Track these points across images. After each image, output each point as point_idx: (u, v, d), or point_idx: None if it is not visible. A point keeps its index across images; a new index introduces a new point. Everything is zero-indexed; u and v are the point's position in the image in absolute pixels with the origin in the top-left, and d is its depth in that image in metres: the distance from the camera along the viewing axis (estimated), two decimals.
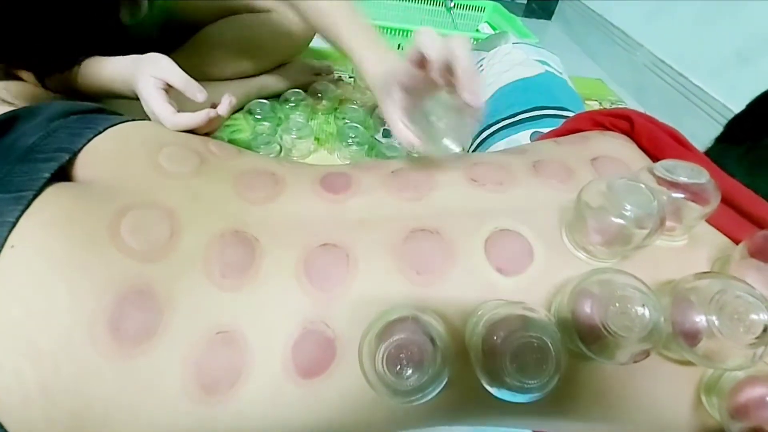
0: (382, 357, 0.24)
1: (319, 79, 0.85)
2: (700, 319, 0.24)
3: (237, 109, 0.75)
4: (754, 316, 0.23)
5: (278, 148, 0.67)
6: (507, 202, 0.33)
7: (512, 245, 0.30)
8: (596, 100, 1.07)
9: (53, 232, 0.26)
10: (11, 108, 0.38)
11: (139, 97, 0.44)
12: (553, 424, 0.32)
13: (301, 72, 0.83)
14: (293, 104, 0.77)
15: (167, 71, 0.43)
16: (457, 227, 0.31)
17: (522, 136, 0.60)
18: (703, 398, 0.27)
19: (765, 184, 0.32)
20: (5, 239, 0.24)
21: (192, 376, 0.25)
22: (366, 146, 0.71)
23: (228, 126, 0.73)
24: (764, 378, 0.25)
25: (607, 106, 1.07)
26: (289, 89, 0.79)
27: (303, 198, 0.34)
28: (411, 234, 0.31)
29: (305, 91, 0.81)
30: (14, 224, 0.25)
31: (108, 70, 0.49)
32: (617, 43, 1.23)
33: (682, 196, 0.28)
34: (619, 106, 1.08)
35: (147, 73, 0.43)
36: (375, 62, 0.45)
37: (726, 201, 0.31)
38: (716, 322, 0.23)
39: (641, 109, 1.06)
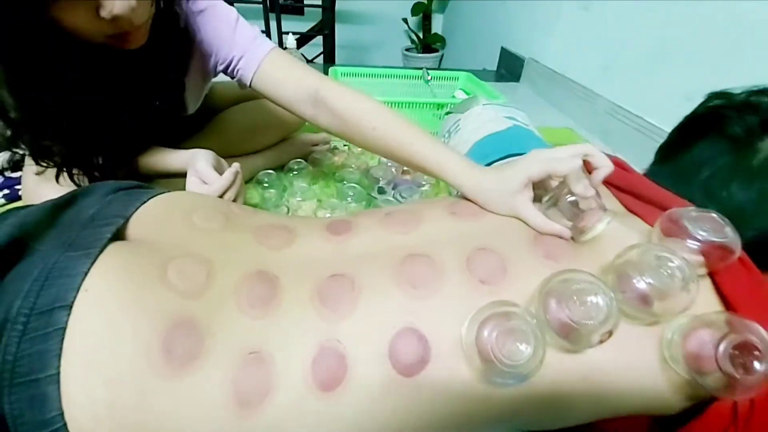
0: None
1: (317, 149, 0.96)
2: (638, 282, 0.30)
3: (247, 180, 0.84)
4: (671, 263, 0.29)
5: (286, 210, 0.75)
6: (481, 228, 0.40)
7: (489, 261, 0.36)
8: None
9: (116, 278, 0.31)
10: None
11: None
12: (549, 414, 0.35)
13: (301, 144, 0.94)
14: (296, 172, 0.86)
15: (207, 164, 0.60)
16: (443, 250, 0.37)
17: None
18: (666, 356, 0.31)
19: (684, 190, 0.39)
20: (80, 285, 0.30)
21: (229, 391, 0.30)
22: (363, 203, 0.79)
23: None
24: (703, 323, 0.30)
25: None
26: (291, 160, 0.89)
27: (312, 242, 0.41)
28: (406, 259, 0.37)
29: (306, 160, 0.90)
30: (86, 273, 0.30)
31: (170, 162, 0.63)
32: (579, 95, 1.37)
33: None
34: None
35: (198, 164, 0.59)
36: (468, 174, 0.46)
37: (657, 205, 0.38)
38: (651, 281, 0.29)
39: (609, 149, 1.17)
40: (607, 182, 0.43)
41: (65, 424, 0.27)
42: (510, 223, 0.41)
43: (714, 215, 0.34)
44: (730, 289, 0.33)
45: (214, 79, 0.70)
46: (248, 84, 0.61)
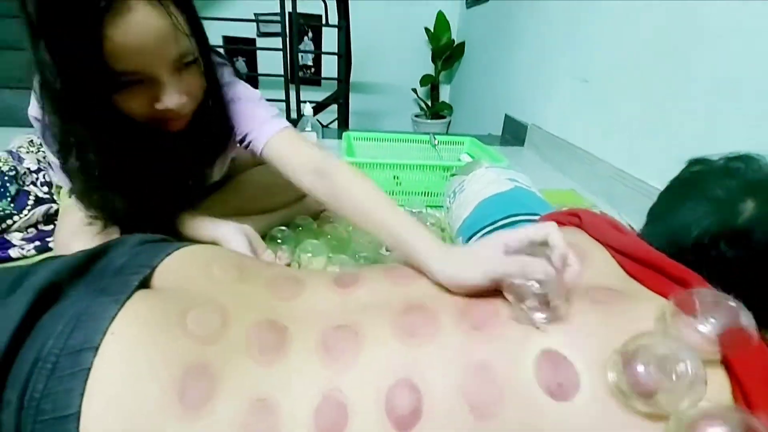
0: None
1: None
2: (645, 376, 0.30)
3: (262, 236, 0.88)
4: (680, 366, 0.30)
5: (297, 265, 0.78)
6: None
7: (483, 308, 0.38)
8: (572, 207, 1.20)
9: (140, 323, 0.34)
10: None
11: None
12: None
13: (313, 204, 0.99)
14: (301, 227, 0.91)
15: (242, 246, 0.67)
16: (438, 302, 0.40)
17: None
18: None
19: (677, 249, 0.42)
20: (107, 328, 0.32)
21: None
22: (371, 261, 0.81)
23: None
24: (712, 415, 0.29)
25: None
26: (302, 217, 0.94)
27: (321, 294, 0.43)
28: (405, 309, 0.39)
29: (316, 219, 0.95)
30: (114, 317, 0.33)
31: (202, 231, 0.70)
32: (582, 159, 1.42)
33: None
34: (593, 210, 1.21)
35: (233, 243, 0.66)
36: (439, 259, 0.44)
37: (656, 268, 0.40)
38: (658, 378, 0.30)
39: (614, 211, 1.19)
40: (605, 243, 0.45)
41: None
42: None
43: (729, 300, 0.34)
44: (744, 375, 0.32)
45: None
46: (259, 152, 0.67)
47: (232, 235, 0.68)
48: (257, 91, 0.71)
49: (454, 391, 0.34)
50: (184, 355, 0.33)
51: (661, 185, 1.06)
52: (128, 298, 0.35)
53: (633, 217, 0.50)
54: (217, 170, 0.75)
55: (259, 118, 0.67)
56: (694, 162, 0.47)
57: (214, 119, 0.64)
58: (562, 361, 0.34)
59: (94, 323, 0.32)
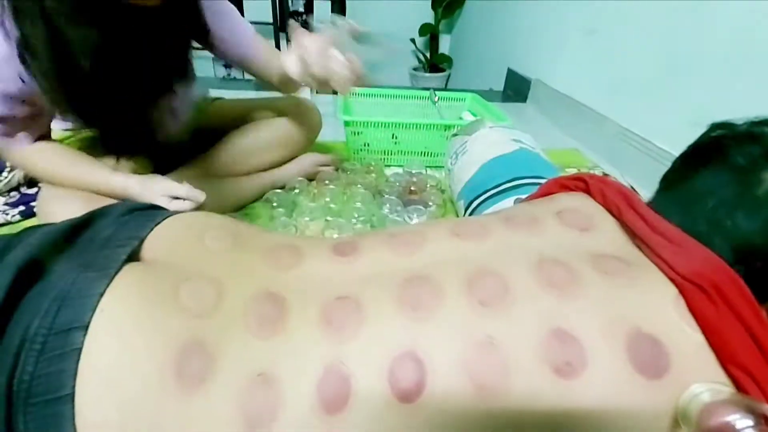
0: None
1: (324, 169, 0.97)
2: None
3: (255, 199, 0.85)
4: None
5: (294, 230, 0.76)
6: (485, 249, 0.40)
7: (491, 282, 0.36)
8: (574, 168, 1.18)
9: (131, 299, 0.32)
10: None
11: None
12: None
13: (309, 164, 0.95)
14: (297, 190, 0.87)
15: (174, 187, 0.60)
16: (444, 272, 0.38)
17: (506, 203, 0.68)
18: (680, 422, 0.30)
19: (690, 220, 0.40)
20: (96, 306, 0.30)
21: (238, 412, 0.30)
22: (368, 224, 0.80)
23: (247, 214, 0.83)
24: (727, 402, 0.29)
25: (585, 171, 1.17)
26: (298, 179, 0.91)
27: (319, 263, 0.41)
28: (407, 281, 0.37)
29: (312, 180, 0.92)
30: (102, 294, 0.31)
31: (115, 182, 0.63)
32: (587, 117, 1.38)
33: None
34: (595, 171, 1.19)
35: (156, 192, 0.60)
36: None
37: (665, 238, 0.38)
38: None
39: (616, 172, 1.17)
40: (612, 210, 0.43)
41: None
42: (514, 245, 0.41)
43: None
44: None
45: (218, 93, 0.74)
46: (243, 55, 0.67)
47: (157, 179, 0.63)
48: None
49: (457, 365, 0.33)
50: (179, 331, 0.32)
51: (668, 146, 1.04)
52: (117, 272, 0.33)
53: (637, 179, 0.48)
54: (181, 103, 0.72)
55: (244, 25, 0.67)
56: (716, 126, 0.44)
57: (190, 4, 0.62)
58: (571, 340, 0.33)
59: (81, 301, 0.31)
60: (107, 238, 0.38)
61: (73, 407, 0.28)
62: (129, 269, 0.35)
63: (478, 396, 0.32)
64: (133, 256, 0.37)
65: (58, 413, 0.28)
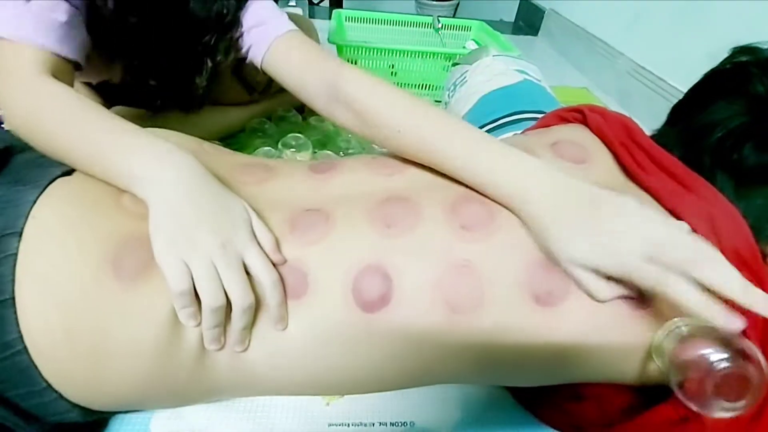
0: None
1: None
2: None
3: (241, 130, 0.80)
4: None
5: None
6: None
7: (476, 209, 0.34)
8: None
9: (66, 202, 0.31)
10: None
11: None
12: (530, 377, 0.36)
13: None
14: (290, 122, 0.83)
15: None
16: (425, 194, 0.36)
17: (504, 139, 0.64)
18: (654, 356, 0.30)
19: (692, 153, 0.37)
20: (28, 213, 0.30)
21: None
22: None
23: (230, 145, 0.79)
24: (702, 336, 0.28)
25: None
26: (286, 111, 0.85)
27: (293, 179, 0.40)
28: (384, 201, 0.36)
29: (301, 110, 0.86)
30: (34, 202, 0.30)
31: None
32: (600, 53, 1.29)
33: None
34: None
35: None
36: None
37: (667, 171, 0.35)
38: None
39: (626, 112, 1.11)
40: (609, 143, 0.39)
41: (25, 347, 0.28)
42: None
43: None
44: None
45: None
46: (259, 64, 0.54)
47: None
48: None
49: (429, 285, 0.32)
50: (117, 229, 0.31)
51: (682, 86, 0.97)
52: (50, 183, 0.32)
53: (646, 120, 0.44)
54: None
55: (261, 16, 0.54)
56: (739, 51, 0.39)
57: None
58: (555, 270, 0.32)
59: (13, 209, 0.30)
60: (39, 157, 0.36)
61: (15, 312, 0.28)
62: (64, 180, 0.34)
63: (450, 319, 0.32)
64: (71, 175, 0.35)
65: (1, 317, 0.28)
